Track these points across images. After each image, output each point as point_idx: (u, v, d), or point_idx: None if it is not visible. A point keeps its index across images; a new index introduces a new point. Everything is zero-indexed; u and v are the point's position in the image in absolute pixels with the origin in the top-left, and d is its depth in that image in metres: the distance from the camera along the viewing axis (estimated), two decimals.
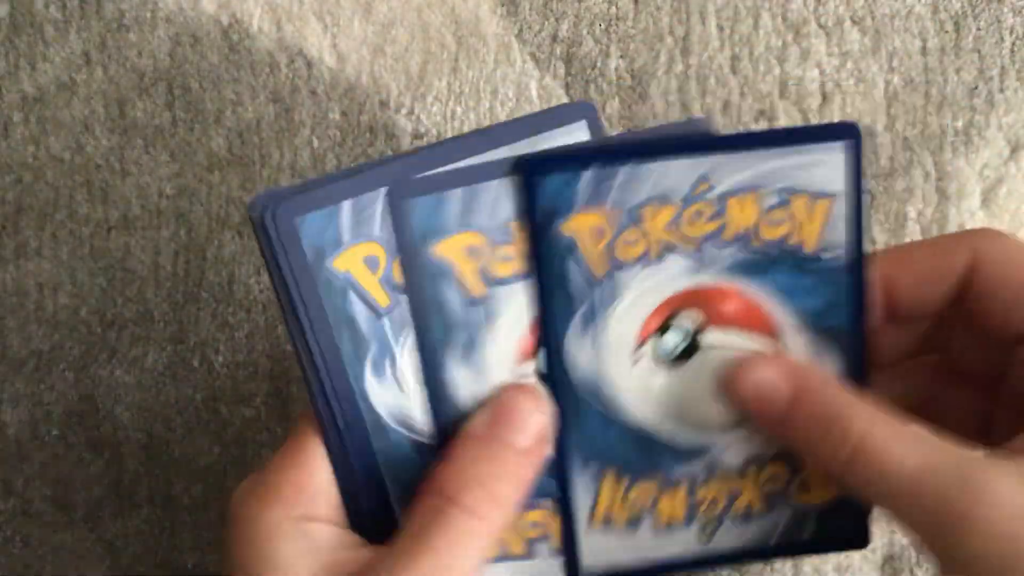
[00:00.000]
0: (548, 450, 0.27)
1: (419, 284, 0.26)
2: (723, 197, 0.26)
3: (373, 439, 0.27)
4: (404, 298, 0.26)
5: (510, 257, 0.26)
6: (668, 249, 0.27)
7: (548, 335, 0.27)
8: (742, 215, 0.27)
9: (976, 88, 0.40)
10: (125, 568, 0.40)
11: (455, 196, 0.26)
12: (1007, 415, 0.28)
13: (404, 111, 0.39)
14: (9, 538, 0.40)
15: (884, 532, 0.39)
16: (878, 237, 0.40)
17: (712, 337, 0.27)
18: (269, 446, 0.40)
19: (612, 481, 0.28)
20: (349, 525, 0.27)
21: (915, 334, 0.30)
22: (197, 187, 0.39)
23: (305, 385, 0.26)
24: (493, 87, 0.39)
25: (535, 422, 0.26)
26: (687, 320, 0.27)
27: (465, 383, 0.27)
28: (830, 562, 0.39)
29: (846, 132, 0.26)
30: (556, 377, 0.27)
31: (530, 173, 0.26)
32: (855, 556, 0.39)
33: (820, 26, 0.39)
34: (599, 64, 0.39)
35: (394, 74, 0.39)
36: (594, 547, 0.28)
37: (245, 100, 0.39)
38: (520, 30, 0.39)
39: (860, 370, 0.28)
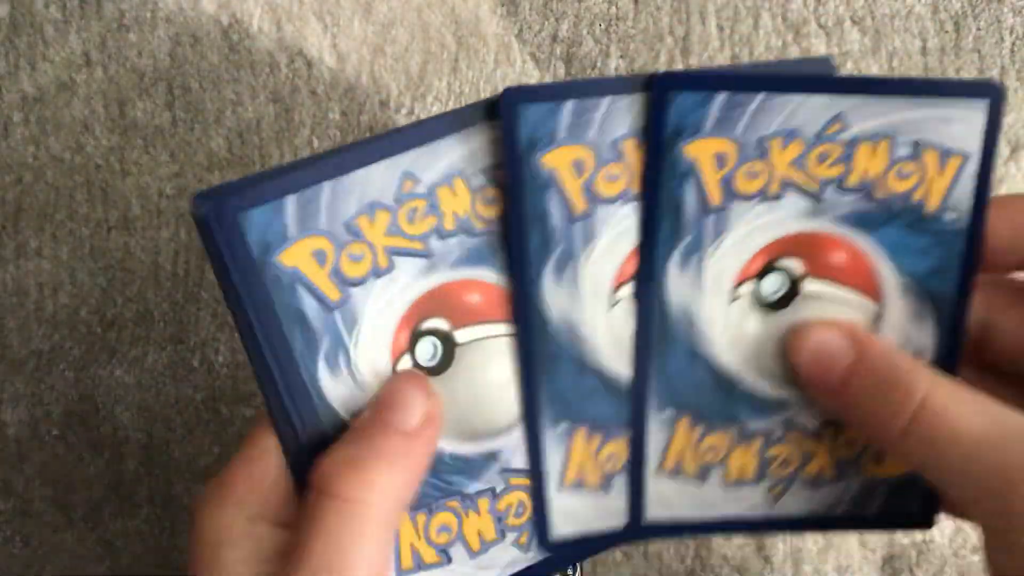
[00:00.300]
0: (436, 433, 0.26)
1: (521, 193, 0.25)
2: (854, 141, 0.26)
3: (328, 434, 0.26)
4: (355, 291, 0.26)
5: (617, 176, 0.26)
6: (788, 187, 0.26)
7: (649, 260, 0.26)
8: (871, 162, 0.26)
9: None
10: (125, 568, 0.40)
11: (567, 107, 0.25)
12: None
13: (404, 111, 0.39)
14: (9, 538, 0.40)
15: (883, 534, 0.39)
16: None
17: (813, 287, 0.27)
18: None
19: (687, 427, 0.27)
20: None
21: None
22: (197, 187, 0.39)
23: (258, 383, 0.26)
24: (493, 87, 0.39)
25: (419, 404, 0.25)
26: (791, 265, 0.27)
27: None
28: (830, 562, 0.39)
29: (988, 91, 0.26)
30: (649, 304, 0.26)
31: (662, 88, 0.25)
32: (855, 556, 0.39)
33: (820, 26, 0.39)
34: (599, 64, 0.39)
35: (394, 74, 0.39)
36: (660, 495, 0.28)
37: (245, 100, 0.39)
38: (520, 30, 0.39)
39: (955, 340, 0.27)
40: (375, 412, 0.25)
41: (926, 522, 0.29)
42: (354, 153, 0.25)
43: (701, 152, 0.25)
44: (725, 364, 0.27)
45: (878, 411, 0.25)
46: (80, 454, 0.40)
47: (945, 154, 0.26)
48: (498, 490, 0.27)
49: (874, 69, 0.39)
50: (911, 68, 0.39)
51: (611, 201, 0.26)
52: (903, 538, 0.39)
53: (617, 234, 0.26)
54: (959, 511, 0.29)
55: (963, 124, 0.26)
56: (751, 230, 0.26)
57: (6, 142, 0.39)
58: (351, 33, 0.39)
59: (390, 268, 0.26)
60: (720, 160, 0.26)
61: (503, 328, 0.27)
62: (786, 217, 0.26)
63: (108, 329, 0.39)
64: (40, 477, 0.40)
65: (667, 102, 0.25)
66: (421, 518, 0.27)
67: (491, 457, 0.27)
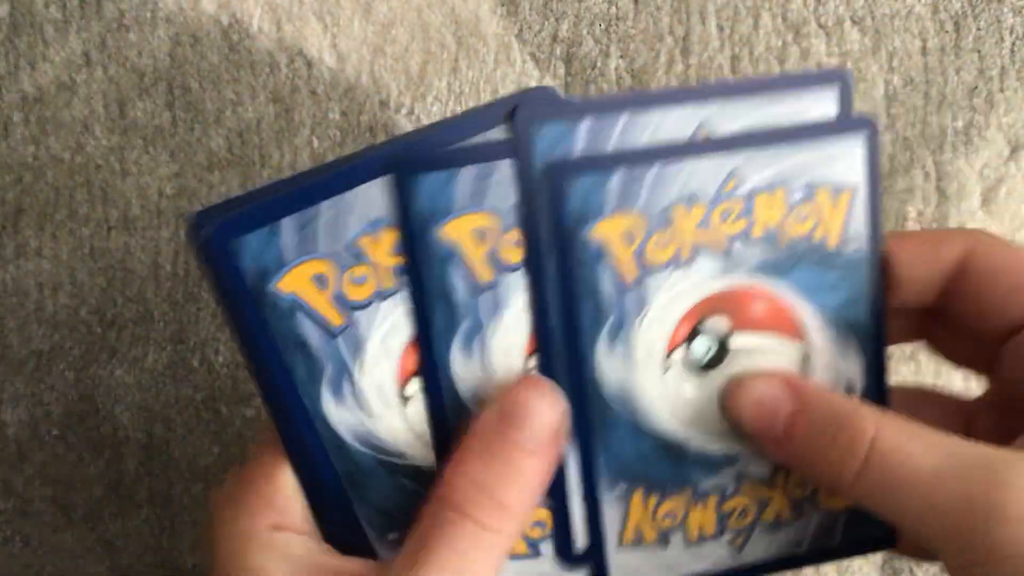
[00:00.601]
0: (560, 449, 0.26)
1: (423, 267, 0.25)
2: (751, 194, 0.26)
3: (335, 460, 0.26)
4: (359, 315, 0.25)
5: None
6: (698, 249, 0.26)
7: (574, 348, 0.26)
8: (770, 211, 0.26)
9: (976, 88, 0.40)
10: (125, 568, 0.40)
11: (468, 174, 0.24)
12: (990, 416, 0.28)
13: (404, 111, 0.39)
14: (9, 538, 0.40)
15: None
16: None
17: (741, 341, 0.27)
18: None
19: (641, 498, 0.28)
20: (323, 538, 0.26)
21: (903, 329, 0.30)
22: (197, 187, 0.39)
23: (264, 408, 0.25)
24: (493, 87, 0.39)
25: (546, 420, 0.25)
26: (716, 325, 0.27)
27: (468, 375, 0.26)
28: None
29: (862, 124, 0.26)
30: (584, 391, 0.26)
31: (559, 177, 0.25)
32: (855, 557, 0.39)
33: (820, 26, 0.39)
34: (599, 64, 0.39)
35: (394, 74, 0.39)
36: (624, 566, 0.28)
37: (245, 100, 0.39)
38: (520, 30, 0.39)
39: (881, 363, 0.28)
40: (501, 424, 0.25)
41: (889, 542, 0.29)
42: (352, 169, 0.24)
43: (609, 232, 0.25)
44: (669, 432, 0.27)
45: (827, 457, 0.25)
46: (80, 454, 0.40)
47: (836, 190, 0.27)
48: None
49: (874, 69, 0.39)
50: (911, 68, 0.39)
51: (517, 268, 0.25)
52: None
53: (669, 300, 0.26)
54: (918, 549, 0.29)
55: (846, 159, 0.26)
56: (671, 298, 0.26)
57: (6, 142, 0.39)
58: (351, 33, 0.39)
59: (396, 289, 0.25)
60: (628, 237, 0.26)
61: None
62: (701, 279, 0.26)
63: (108, 329, 0.39)
64: (40, 477, 0.40)
65: (563, 191, 0.25)
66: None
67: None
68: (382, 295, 0.25)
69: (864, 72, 0.39)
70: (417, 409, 0.26)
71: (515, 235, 0.25)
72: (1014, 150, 0.40)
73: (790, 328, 0.27)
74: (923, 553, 0.30)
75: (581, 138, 0.25)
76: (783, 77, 0.27)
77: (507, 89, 0.39)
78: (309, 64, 0.39)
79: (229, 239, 0.24)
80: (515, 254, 0.25)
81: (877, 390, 0.28)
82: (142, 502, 0.40)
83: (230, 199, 0.25)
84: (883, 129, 0.39)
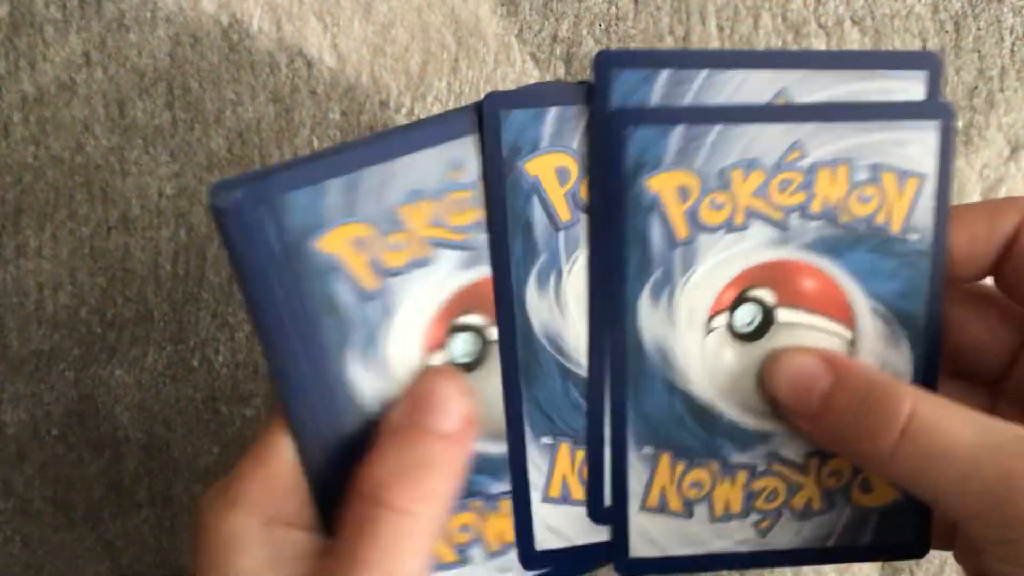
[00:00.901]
0: (474, 435, 0.25)
1: (304, 284, 0.24)
2: (813, 167, 0.26)
3: (352, 428, 0.25)
4: (392, 281, 0.25)
5: (402, 246, 0.25)
6: (753, 216, 0.26)
7: (618, 298, 0.26)
8: (832, 187, 0.26)
9: (976, 88, 0.40)
10: (125, 568, 0.40)
11: (334, 186, 0.24)
12: (1012, 412, 0.28)
13: (404, 111, 0.39)
14: (9, 538, 0.40)
15: None
16: None
17: (787, 316, 0.27)
18: None
19: (668, 463, 0.27)
20: (321, 526, 0.26)
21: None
22: (197, 187, 0.39)
23: (274, 379, 0.25)
24: (493, 87, 0.39)
25: (457, 405, 0.25)
26: (763, 295, 0.26)
27: (368, 385, 0.25)
28: None
29: (941, 111, 0.26)
30: (624, 341, 0.26)
31: (620, 125, 0.25)
32: None
33: (820, 26, 0.39)
34: None
35: (394, 74, 0.39)
36: (645, 530, 0.27)
37: (245, 100, 0.39)
38: (520, 30, 0.39)
39: (932, 361, 0.27)
40: (413, 414, 0.25)
41: (920, 550, 0.29)
42: (400, 139, 0.24)
43: (664, 186, 0.25)
44: (704, 398, 0.27)
45: (864, 431, 0.25)
46: (80, 454, 0.40)
47: (903, 176, 0.26)
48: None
49: None
50: None
51: (400, 272, 0.25)
52: None
53: (717, 263, 0.26)
54: (950, 533, 0.29)
55: (918, 145, 0.26)
56: (720, 261, 0.26)
57: (6, 142, 0.39)
58: (351, 33, 0.39)
59: (431, 259, 0.25)
60: (683, 193, 0.25)
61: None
62: (753, 247, 0.26)
63: (108, 329, 0.39)
64: (40, 477, 0.40)
65: (625, 138, 0.25)
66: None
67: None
68: (417, 264, 0.25)
69: None
70: None
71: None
72: (1014, 150, 0.40)
73: (839, 310, 0.27)
74: (958, 533, 0.29)
75: (658, 89, 0.25)
76: (872, 54, 0.26)
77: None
78: (309, 64, 0.39)
79: (277, 194, 0.24)
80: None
81: (925, 387, 0.27)
82: (142, 502, 0.40)
83: (246, 173, 0.25)
84: None
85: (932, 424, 0.24)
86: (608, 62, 0.25)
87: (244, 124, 0.39)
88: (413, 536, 0.23)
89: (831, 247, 0.26)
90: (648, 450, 0.27)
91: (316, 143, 0.39)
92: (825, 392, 0.25)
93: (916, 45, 0.39)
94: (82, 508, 0.40)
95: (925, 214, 0.26)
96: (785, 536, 0.28)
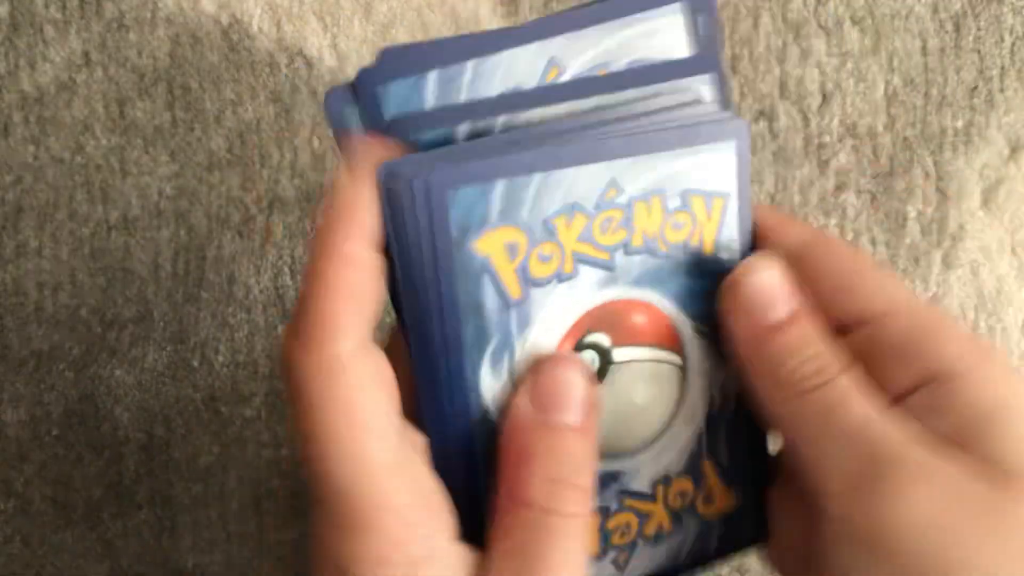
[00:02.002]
0: (599, 416, 0.26)
1: (453, 282, 0.24)
2: (630, 202, 0.26)
3: (479, 432, 0.25)
4: (535, 292, 0.25)
5: (549, 257, 0.25)
6: (581, 262, 0.26)
7: (457, 372, 0.25)
8: (648, 220, 0.26)
9: (976, 88, 0.40)
10: (125, 568, 0.40)
11: (499, 187, 0.24)
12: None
13: None
14: (9, 538, 0.40)
15: None
16: (878, 237, 0.40)
17: (623, 354, 0.27)
18: (269, 446, 0.39)
19: None
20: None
21: None
22: (197, 187, 0.39)
23: (414, 371, 0.25)
24: None
25: (579, 392, 0.25)
26: (600, 339, 0.26)
27: (498, 391, 0.25)
28: None
29: (735, 132, 0.26)
30: (468, 415, 0.25)
31: (441, 187, 0.24)
32: None
33: (820, 26, 0.39)
34: None
35: None
36: None
37: (245, 100, 0.39)
38: None
39: None
40: (546, 410, 0.25)
41: (763, 537, 0.29)
42: (571, 148, 0.24)
43: (492, 246, 0.24)
44: None
45: (798, 369, 0.25)
46: (80, 454, 0.40)
47: (708, 198, 0.26)
48: (612, 509, 0.27)
49: (874, 69, 0.39)
50: (911, 68, 0.39)
51: (542, 283, 0.25)
52: None
53: (552, 317, 0.26)
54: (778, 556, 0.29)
55: (719, 167, 0.26)
56: (554, 315, 0.26)
57: (6, 142, 0.39)
58: (351, 33, 0.39)
59: (574, 274, 0.25)
60: (512, 250, 0.25)
61: (656, 353, 0.27)
62: (585, 292, 0.26)
63: (108, 329, 0.39)
64: (40, 477, 0.40)
65: (447, 200, 0.24)
66: None
67: (613, 477, 0.27)
68: (561, 277, 0.25)
69: (864, 72, 0.39)
70: None
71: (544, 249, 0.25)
72: (1014, 150, 0.40)
73: (668, 338, 0.27)
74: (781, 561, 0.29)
75: (431, 94, 0.24)
76: (624, 1, 0.26)
77: None
78: (309, 64, 0.39)
79: (447, 188, 0.23)
80: (545, 269, 0.25)
81: (747, 402, 0.27)
82: (142, 502, 0.40)
83: (431, 153, 0.24)
84: (882, 129, 0.39)
85: (853, 387, 0.25)
86: (371, 80, 0.24)
87: (244, 124, 0.39)
88: (577, 534, 0.24)
89: (654, 279, 0.26)
90: None
91: (316, 143, 0.39)
92: (781, 320, 0.26)
93: (916, 45, 0.39)
94: (82, 508, 0.40)
95: (731, 231, 0.27)
96: (641, 564, 0.28)
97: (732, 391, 0.28)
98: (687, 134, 0.26)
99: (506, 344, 0.25)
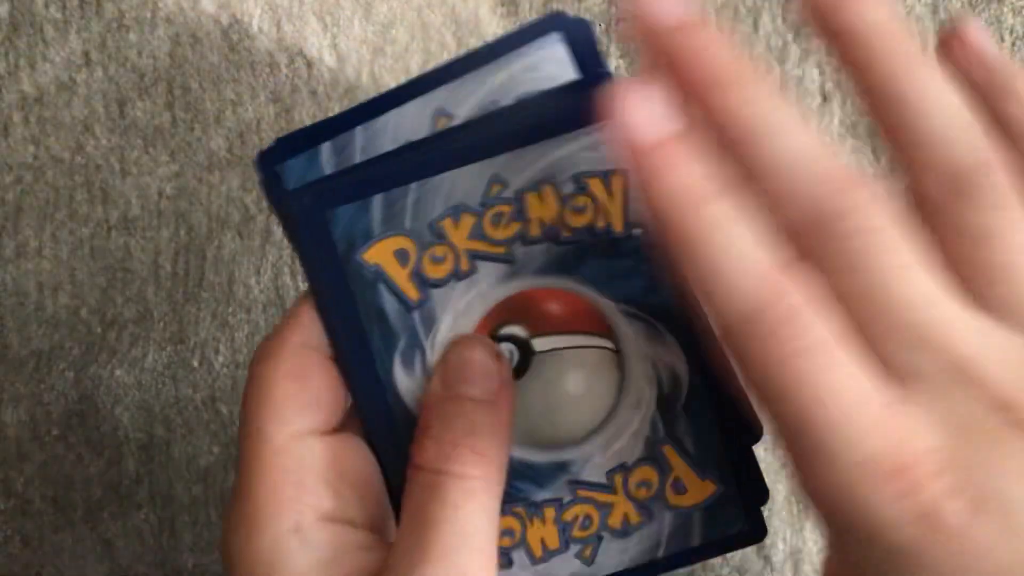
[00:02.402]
0: (512, 392, 0.26)
1: (352, 293, 0.26)
2: (519, 195, 0.26)
3: (402, 430, 0.26)
4: (435, 292, 0.26)
5: (442, 258, 0.26)
6: (477, 258, 0.26)
7: (370, 375, 0.26)
8: (543, 208, 0.26)
9: None
10: (125, 568, 0.40)
11: (377, 201, 0.25)
12: None
13: None
14: (9, 538, 0.40)
15: None
16: None
17: (544, 343, 0.27)
18: None
19: None
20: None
21: None
22: (197, 187, 0.39)
23: (343, 374, 0.26)
24: None
25: (487, 367, 0.25)
26: (515, 331, 0.27)
27: (415, 389, 0.26)
28: None
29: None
30: (390, 416, 0.26)
31: (317, 207, 0.25)
32: None
33: None
34: None
35: (394, 74, 0.39)
36: None
37: (245, 100, 0.39)
38: None
39: (699, 342, 0.27)
40: (451, 384, 0.25)
41: (758, 534, 0.28)
42: (442, 154, 0.25)
43: (381, 255, 0.26)
44: None
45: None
46: (80, 454, 0.40)
47: (606, 176, 0.26)
48: (565, 501, 0.27)
49: None
50: None
51: (441, 283, 0.26)
52: None
53: (458, 313, 0.26)
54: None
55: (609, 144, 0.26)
56: (460, 311, 0.26)
57: (6, 142, 0.39)
58: (351, 33, 0.39)
59: (472, 272, 0.26)
60: (402, 256, 0.26)
61: (582, 339, 0.27)
62: (488, 287, 0.26)
63: (108, 329, 0.39)
64: (40, 477, 0.40)
65: (326, 219, 0.25)
66: None
67: (560, 468, 0.27)
68: (458, 276, 0.26)
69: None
70: None
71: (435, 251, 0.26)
72: None
73: (593, 323, 0.27)
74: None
75: (326, 163, 0.26)
76: (502, 40, 0.26)
77: None
78: (309, 64, 0.39)
79: (324, 209, 0.25)
80: (440, 270, 0.26)
81: (701, 370, 0.27)
82: (142, 502, 0.40)
83: (322, 178, 0.26)
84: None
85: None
86: (270, 159, 0.26)
87: (244, 124, 0.39)
88: (477, 495, 0.24)
89: (562, 265, 0.26)
90: None
91: None
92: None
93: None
94: (82, 508, 0.40)
95: (640, 207, 0.26)
96: (613, 558, 0.28)
97: (685, 372, 0.27)
98: (561, 121, 0.25)
99: (414, 344, 0.26)
